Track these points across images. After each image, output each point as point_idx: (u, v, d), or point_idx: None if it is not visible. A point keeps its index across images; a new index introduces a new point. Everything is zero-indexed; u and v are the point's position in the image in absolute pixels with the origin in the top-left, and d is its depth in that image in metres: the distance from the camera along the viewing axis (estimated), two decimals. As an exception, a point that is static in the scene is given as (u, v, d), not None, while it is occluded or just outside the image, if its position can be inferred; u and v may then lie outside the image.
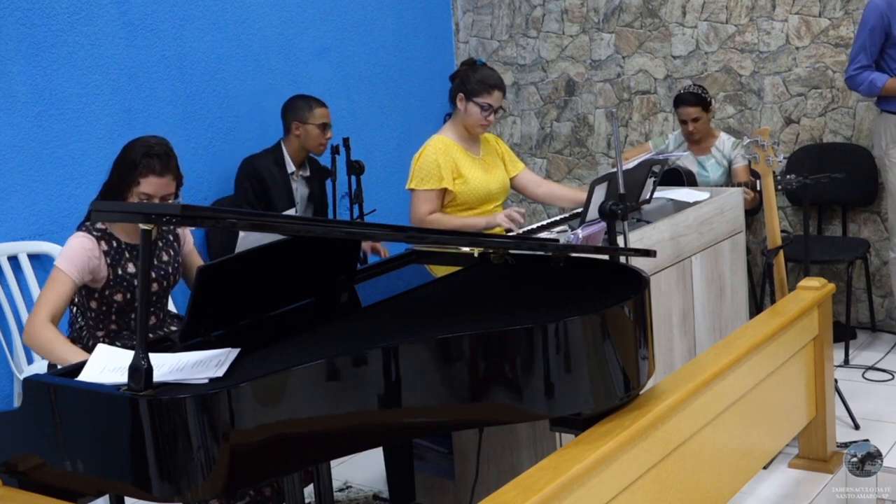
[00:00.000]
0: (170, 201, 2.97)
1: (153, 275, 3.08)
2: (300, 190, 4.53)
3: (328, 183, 4.75)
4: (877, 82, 4.29)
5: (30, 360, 3.88)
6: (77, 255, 2.94)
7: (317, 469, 2.69)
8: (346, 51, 5.23)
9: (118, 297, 3.02)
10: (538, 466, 2.24)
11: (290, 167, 4.45)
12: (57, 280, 2.92)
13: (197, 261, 3.26)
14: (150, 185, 2.92)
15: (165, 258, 3.13)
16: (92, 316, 3.06)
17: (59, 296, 2.91)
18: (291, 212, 4.42)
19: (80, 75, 4.08)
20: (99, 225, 3.02)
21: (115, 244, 3.01)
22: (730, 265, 3.99)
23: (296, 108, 4.44)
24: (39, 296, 2.95)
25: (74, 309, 3.11)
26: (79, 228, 3.03)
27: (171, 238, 3.18)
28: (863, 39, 4.30)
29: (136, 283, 3.01)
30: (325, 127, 4.44)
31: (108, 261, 2.99)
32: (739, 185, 4.52)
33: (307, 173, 4.55)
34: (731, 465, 2.92)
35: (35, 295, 3.93)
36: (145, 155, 2.92)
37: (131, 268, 3.02)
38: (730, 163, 4.75)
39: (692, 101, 4.73)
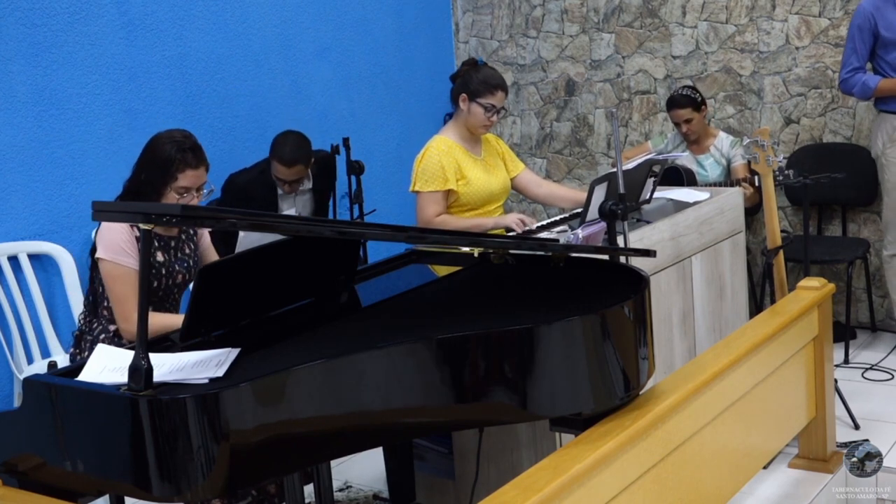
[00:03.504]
0: (203, 190, 3.06)
1: (177, 267, 3.11)
2: (299, 201, 4.42)
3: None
4: (869, 83, 4.27)
5: (30, 360, 3.88)
6: (120, 240, 2.96)
7: (317, 469, 2.69)
8: (346, 51, 5.22)
9: None
10: (538, 466, 2.24)
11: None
12: (122, 276, 2.95)
13: (213, 257, 3.28)
14: (188, 179, 3.00)
15: (187, 251, 3.17)
16: (107, 306, 3.06)
17: (133, 287, 2.94)
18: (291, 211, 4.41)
19: (80, 75, 4.08)
20: None
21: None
22: (730, 265, 3.98)
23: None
24: (114, 297, 2.97)
25: (85, 311, 3.12)
26: None
27: (192, 232, 3.21)
28: (852, 42, 4.30)
29: (163, 271, 3.06)
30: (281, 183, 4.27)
31: (139, 247, 3.01)
32: (738, 182, 4.52)
33: (309, 185, 4.45)
34: (731, 465, 2.92)
35: (35, 295, 3.94)
36: (179, 150, 2.98)
37: (159, 256, 3.06)
38: (728, 161, 4.75)
39: (682, 102, 4.74)
